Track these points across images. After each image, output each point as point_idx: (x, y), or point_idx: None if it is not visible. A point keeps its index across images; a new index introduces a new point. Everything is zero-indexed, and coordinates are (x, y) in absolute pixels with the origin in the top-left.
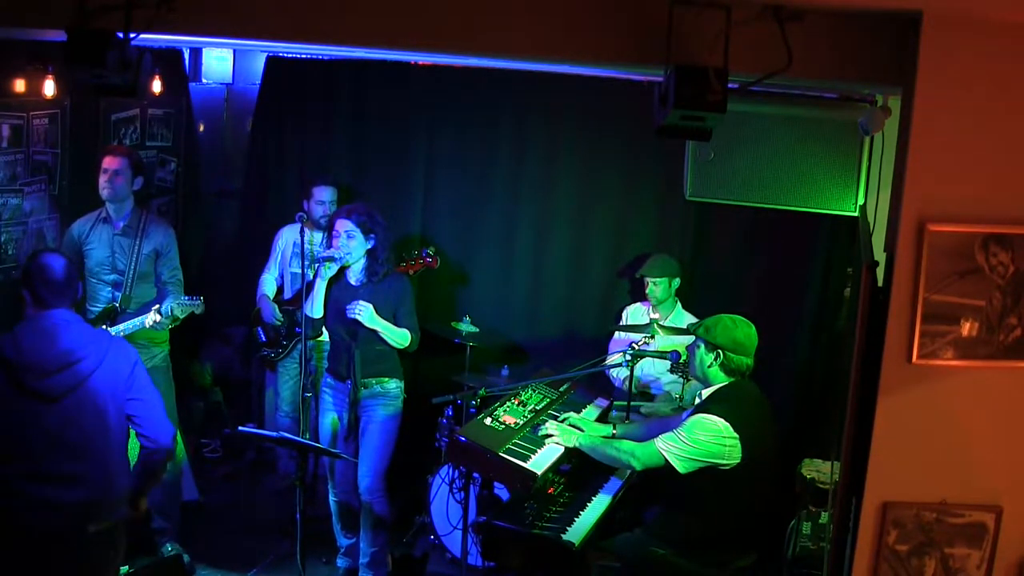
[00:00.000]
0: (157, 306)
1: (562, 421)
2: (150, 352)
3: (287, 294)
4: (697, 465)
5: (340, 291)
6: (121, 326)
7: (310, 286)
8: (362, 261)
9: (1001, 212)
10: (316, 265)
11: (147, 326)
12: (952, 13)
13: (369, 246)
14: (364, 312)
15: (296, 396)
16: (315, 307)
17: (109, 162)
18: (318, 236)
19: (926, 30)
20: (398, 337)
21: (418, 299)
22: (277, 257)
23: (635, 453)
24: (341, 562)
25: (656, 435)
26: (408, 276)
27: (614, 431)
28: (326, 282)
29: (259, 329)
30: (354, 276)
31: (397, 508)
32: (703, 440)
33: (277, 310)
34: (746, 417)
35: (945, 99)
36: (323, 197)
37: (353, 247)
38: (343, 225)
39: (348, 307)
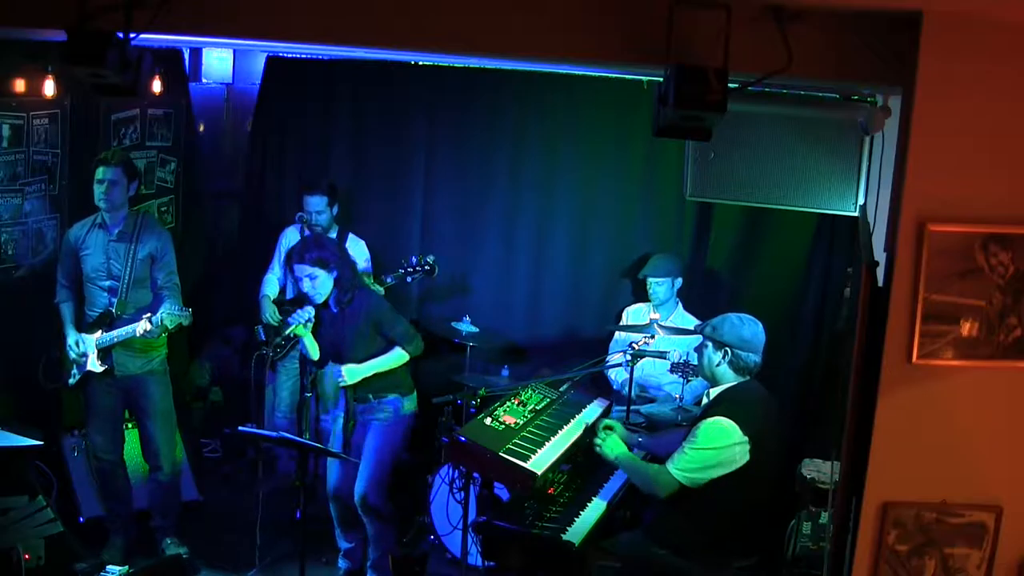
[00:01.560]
0: (148, 315)
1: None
2: (147, 356)
3: (289, 293)
4: (711, 477)
5: (322, 321)
6: (114, 333)
7: (302, 299)
8: (333, 292)
9: (1001, 212)
10: (291, 323)
11: (138, 335)
12: (952, 13)
13: (334, 276)
14: (347, 376)
15: (294, 397)
16: (311, 352)
17: (103, 173)
18: None
19: (926, 30)
20: (392, 362)
21: (418, 299)
22: (280, 257)
23: (658, 481)
24: (342, 563)
25: (676, 444)
26: (381, 287)
27: (639, 440)
28: (310, 330)
29: (259, 328)
30: (332, 304)
31: (397, 508)
32: (713, 450)
33: (276, 311)
34: (754, 417)
35: (945, 99)
36: (310, 207)
37: (319, 286)
38: (302, 270)
39: (336, 378)
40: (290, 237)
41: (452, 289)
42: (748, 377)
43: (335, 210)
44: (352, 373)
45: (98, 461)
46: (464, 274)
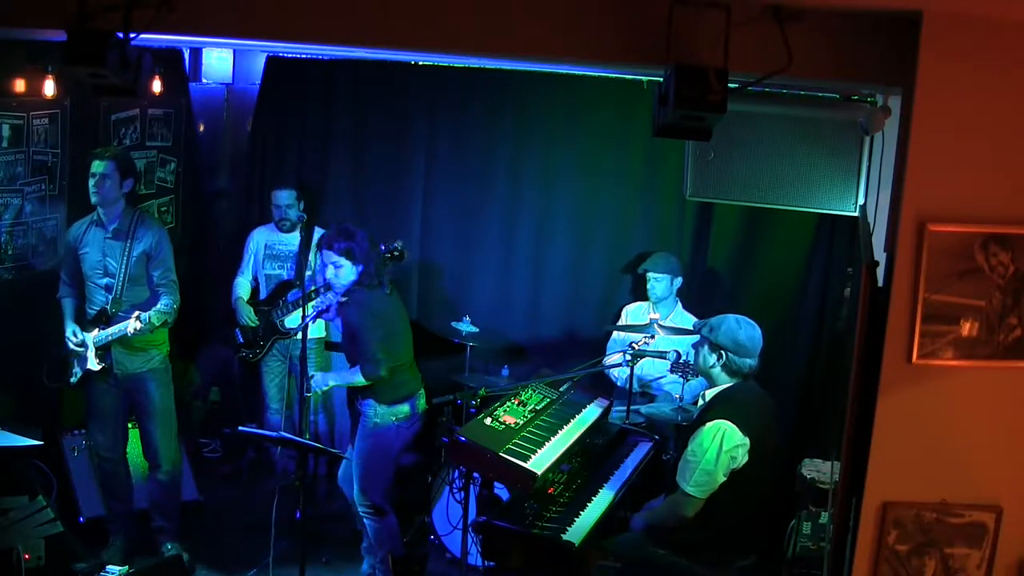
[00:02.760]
0: (138, 313)
1: None
2: (147, 355)
3: (262, 294)
4: (722, 482)
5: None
6: (109, 330)
7: (286, 285)
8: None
9: (1001, 212)
10: (311, 315)
11: (129, 334)
12: (952, 13)
13: (359, 270)
14: (314, 382)
15: (283, 393)
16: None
17: (96, 167)
18: (284, 236)
19: (926, 30)
20: (348, 380)
21: (418, 299)
22: (250, 260)
23: (682, 506)
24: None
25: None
26: (383, 297)
27: None
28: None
29: (236, 331)
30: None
31: (398, 508)
32: (718, 455)
33: (252, 312)
34: (752, 418)
35: (945, 99)
36: (279, 201)
37: (342, 275)
38: (328, 257)
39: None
40: (257, 239)
41: (452, 288)
42: (740, 380)
43: (302, 205)
44: (318, 381)
45: (100, 460)
46: (464, 268)
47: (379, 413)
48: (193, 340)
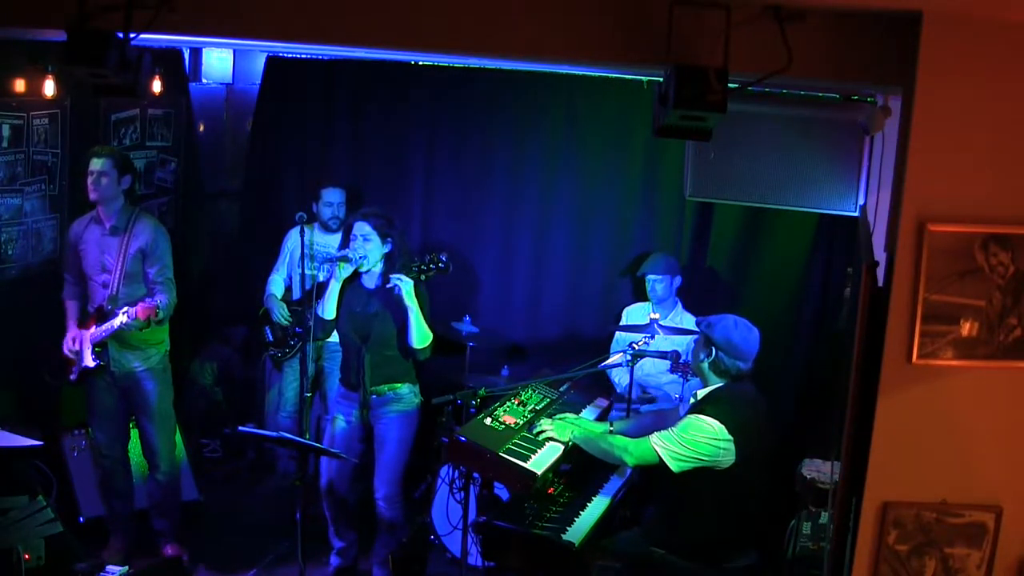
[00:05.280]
0: (126, 308)
1: (561, 419)
2: (146, 354)
3: (295, 294)
4: (690, 465)
5: (354, 294)
6: (103, 327)
7: (322, 286)
8: (380, 265)
9: (1001, 212)
10: (329, 265)
11: (115, 328)
12: (952, 13)
13: (386, 250)
14: (404, 284)
15: (299, 397)
16: (328, 308)
17: (93, 164)
18: (326, 237)
19: (926, 30)
20: (422, 330)
21: None
22: (286, 258)
23: (628, 448)
24: (335, 560)
25: (651, 430)
26: (421, 282)
27: (611, 428)
28: (340, 283)
29: (267, 328)
30: (370, 280)
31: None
32: (697, 440)
33: (285, 309)
34: (740, 419)
35: (945, 99)
36: (331, 199)
37: (369, 250)
38: (360, 228)
39: (392, 276)
40: (295, 238)
41: (452, 288)
42: (729, 380)
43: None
44: (409, 287)
45: (100, 457)
46: (464, 268)
47: (409, 398)
48: (194, 340)
